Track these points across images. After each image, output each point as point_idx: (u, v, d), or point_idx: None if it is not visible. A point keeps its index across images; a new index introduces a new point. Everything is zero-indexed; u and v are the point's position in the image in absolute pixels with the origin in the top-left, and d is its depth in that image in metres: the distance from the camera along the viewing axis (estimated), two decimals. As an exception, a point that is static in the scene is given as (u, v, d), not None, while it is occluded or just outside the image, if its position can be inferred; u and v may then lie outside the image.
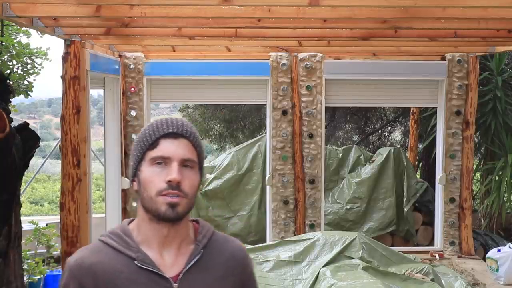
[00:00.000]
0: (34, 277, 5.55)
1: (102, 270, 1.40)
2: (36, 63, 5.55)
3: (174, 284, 1.41)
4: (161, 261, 1.43)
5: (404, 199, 6.88)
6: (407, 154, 7.90)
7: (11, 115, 3.78)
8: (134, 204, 6.08)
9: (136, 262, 1.40)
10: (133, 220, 1.51)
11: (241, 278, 1.55)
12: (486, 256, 5.65)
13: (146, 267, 1.40)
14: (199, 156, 1.45)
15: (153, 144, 1.41)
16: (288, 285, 4.64)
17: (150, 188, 1.39)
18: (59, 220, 4.38)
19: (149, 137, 1.43)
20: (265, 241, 6.11)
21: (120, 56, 5.93)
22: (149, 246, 1.43)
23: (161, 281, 1.40)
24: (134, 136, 6.04)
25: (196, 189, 1.44)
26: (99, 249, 1.44)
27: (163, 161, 1.40)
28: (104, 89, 5.83)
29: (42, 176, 14.75)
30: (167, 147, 1.40)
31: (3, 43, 5.04)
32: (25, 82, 5.41)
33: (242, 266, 1.56)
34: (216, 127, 10.35)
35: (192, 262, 1.45)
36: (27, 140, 3.91)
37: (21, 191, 4.72)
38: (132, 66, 5.96)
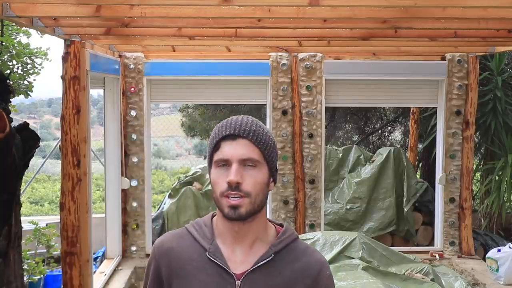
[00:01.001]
0: (34, 277, 5.56)
1: (177, 255, 1.50)
2: (36, 63, 5.55)
3: (237, 281, 1.44)
4: (232, 256, 1.48)
5: (404, 199, 6.88)
6: (407, 154, 7.90)
7: (11, 115, 3.78)
8: (134, 204, 6.08)
9: (207, 253, 1.47)
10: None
11: None
12: (486, 256, 5.66)
13: (215, 260, 1.46)
14: (263, 153, 1.46)
15: (216, 147, 1.47)
16: (288, 285, 4.63)
17: (216, 189, 1.45)
18: (59, 220, 4.38)
19: (213, 140, 1.49)
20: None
21: (120, 56, 5.93)
22: (223, 240, 1.49)
23: (227, 276, 1.45)
24: (134, 136, 6.04)
25: (263, 186, 1.46)
26: (181, 235, 1.55)
27: (225, 163, 1.44)
28: (104, 89, 5.83)
29: (42, 176, 14.75)
30: (226, 150, 1.44)
31: (3, 43, 5.04)
32: (25, 82, 5.40)
33: (313, 279, 1.50)
34: (216, 127, 10.32)
35: (260, 264, 1.46)
36: (27, 140, 3.91)
37: (21, 191, 4.72)
38: (132, 66, 5.97)
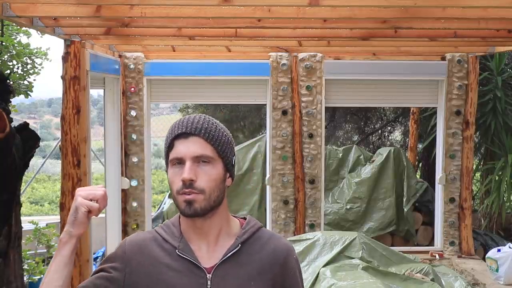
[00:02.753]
0: (34, 277, 5.55)
1: (148, 252, 1.51)
2: (36, 63, 5.55)
3: (208, 275, 1.46)
4: (199, 252, 1.50)
5: (404, 199, 6.88)
6: (407, 154, 7.90)
7: (11, 115, 3.78)
8: (134, 204, 6.08)
9: (177, 250, 1.49)
10: None
11: (282, 276, 1.54)
12: (486, 256, 5.65)
13: (185, 256, 1.48)
14: (217, 150, 1.47)
15: (170, 146, 1.49)
16: (288, 285, 4.63)
17: (172, 187, 1.47)
18: (59, 220, 4.39)
19: (167, 139, 1.50)
20: (265, 241, 6.10)
21: (120, 56, 5.93)
22: (189, 238, 1.52)
23: (197, 270, 1.47)
24: (134, 136, 6.04)
25: (218, 182, 1.47)
26: (152, 235, 1.56)
27: (179, 161, 1.46)
28: (104, 89, 5.83)
29: (42, 176, 14.76)
30: (180, 148, 1.46)
31: (3, 43, 5.04)
32: (25, 82, 5.41)
33: (281, 264, 1.54)
34: (216, 127, 10.32)
35: (228, 255, 1.49)
36: (27, 140, 3.91)
37: (21, 191, 4.72)
38: (132, 66, 5.96)
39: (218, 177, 1.47)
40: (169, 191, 7.62)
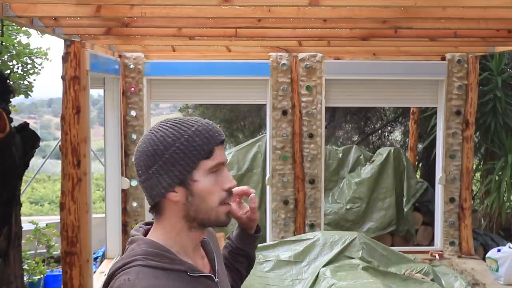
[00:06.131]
0: (34, 277, 5.56)
1: None
2: (36, 63, 5.55)
3: (216, 280, 1.46)
4: (196, 264, 1.44)
5: (404, 199, 6.89)
6: (407, 154, 7.90)
7: (11, 115, 3.78)
8: (134, 204, 6.08)
9: (188, 273, 1.37)
10: (142, 233, 1.46)
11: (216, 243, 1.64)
12: (486, 256, 5.66)
13: (197, 274, 1.39)
14: None
15: (210, 153, 1.37)
16: (288, 285, 4.64)
17: (211, 199, 1.37)
18: (59, 220, 4.38)
19: (205, 145, 1.36)
20: (265, 241, 6.10)
21: (120, 56, 5.93)
22: (186, 254, 1.42)
23: (208, 281, 1.43)
24: (134, 136, 6.04)
25: None
26: (150, 274, 1.33)
27: (217, 169, 1.39)
28: (104, 89, 5.83)
29: (42, 176, 14.75)
30: (220, 155, 1.40)
31: (3, 43, 5.04)
32: (25, 82, 5.41)
33: (213, 232, 1.65)
34: (216, 127, 10.33)
35: (215, 254, 1.52)
36: (27, 140, 3.92)
37: (21, 191, 4.72)
38: (132, 66, 5.96)
39: None
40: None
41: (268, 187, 6.29)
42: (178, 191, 1.36)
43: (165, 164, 1.35)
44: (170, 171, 1.35)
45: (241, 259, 1.74)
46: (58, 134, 5.70)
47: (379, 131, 10.46)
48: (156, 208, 1.41)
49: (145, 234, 1.45)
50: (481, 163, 7.70)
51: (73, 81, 4.33)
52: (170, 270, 1.35)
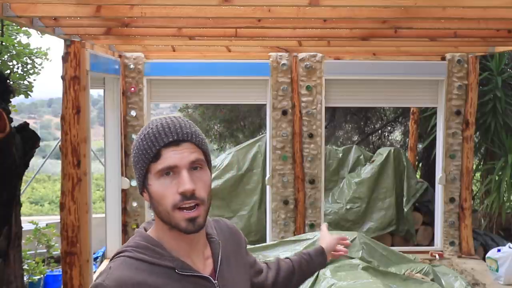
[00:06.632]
0: (34, 277, 5.56)
1: (145, 286, 1.31)
2: (36, 63, 5.56)
3: (215, 281, 1.42)
4: (195, 263, 1.42)
5: (404, 199, 6.88)
6: (407, 154, 7.90)
7: (11, 115, 3.78)
8: (134, 204, 6.08)
9: (177, 270, 1.35)
10: (146, 227, 1.48)
11: (245, 247, 1.65)
12: (486, 256, 5.65)
13: (187, 273, 1.37)
14: (205, 153, 1.39)
15: (156, 156, 1.32)
16: (288, 285, 4.63)
17: (165, 202, 1.32)
18: (59, 220, 4.38)
19: (149, 149, 1.33)
20: (265, 241, 6.11)
21: (120, 56, 5.93)
22: (180, 253, 1.39)
23: (203, 281, 1.39)
24: (134, 136, 6.03)
25: (210, 187, 1.39)
26: (132, 265, 1.35)
27: (170, 171, 1.32)
28: (104, 89, 5.83)
29: (42, 176, 14.75)
30: (171, 157, 1.31)
31: (3, 43, 5.05)
32: (25, 82, 5.41)
33: (241, 236, 1.65)
34: (216, 127, 10.35)
35: (221, 256, 1.48)
36: (27, 140, 3.92)
37: (21, 191, 4.72)
38: (132, 66, 5.96)
39: (210, 182, 1.39)
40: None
41: (268, 187, 6.28)
42: (145, 192, 1.39)
43: (133, 167, 1.41)
44: (136, 174, 1.40)
45: (306, 276, 1.96)
46: (58, 134, 5.70)
47: (379, 131, 10.46)
48: None
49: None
50: (481, 163, 7.70)
51: (73, 81, 4.33)
52: (157, 265, 1.34)
